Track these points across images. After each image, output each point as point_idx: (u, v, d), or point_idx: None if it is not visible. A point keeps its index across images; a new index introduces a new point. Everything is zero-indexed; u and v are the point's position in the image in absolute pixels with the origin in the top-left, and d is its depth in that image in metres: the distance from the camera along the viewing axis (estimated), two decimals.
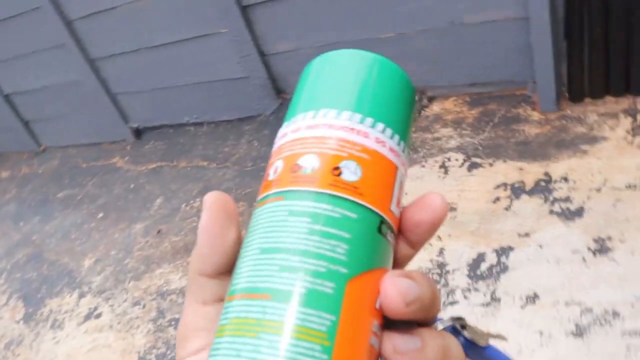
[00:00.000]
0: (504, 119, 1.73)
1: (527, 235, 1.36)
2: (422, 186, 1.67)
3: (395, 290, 0.23)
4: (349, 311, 0.23)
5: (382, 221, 0.25)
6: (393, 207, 0.26)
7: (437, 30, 1.79)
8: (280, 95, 2.28)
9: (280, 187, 0.25)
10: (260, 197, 0.26)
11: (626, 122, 1.49)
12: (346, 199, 0.25)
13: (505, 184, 1.52)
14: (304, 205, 0.24)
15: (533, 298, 1.22)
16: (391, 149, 0.27)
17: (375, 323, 0.24)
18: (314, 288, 0.23)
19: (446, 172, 1.65)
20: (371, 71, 0.28)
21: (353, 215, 0.24)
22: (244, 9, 2.07)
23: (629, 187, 1.34)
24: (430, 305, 0.24)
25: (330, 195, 0.24)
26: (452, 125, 1.80)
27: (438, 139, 1.78)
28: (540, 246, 1.33)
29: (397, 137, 0.27)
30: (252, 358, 0.22)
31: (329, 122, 0.26)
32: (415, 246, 0.27)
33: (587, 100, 1.60)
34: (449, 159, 1.68)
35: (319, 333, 0.22)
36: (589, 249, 1.25)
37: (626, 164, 1.39)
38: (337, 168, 0.25)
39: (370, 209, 0.25)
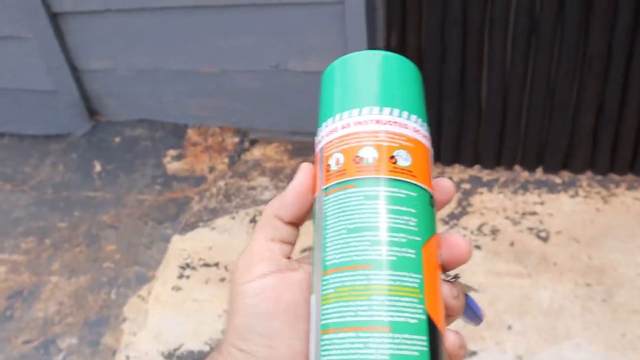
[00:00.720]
0: None
1: None
2: (230, 242, 1.55)
3: (466, 241, 0.32)
4: (427, 269, 0.30)
5: (431, 196, 0.32)
6: (432, 183, 0.32)
7: (261, 72, 1.68)
8: (94, 117, 2.03)
9: (347, 176, 0.31)
10: (326, 185, 0.31)
11: None
12: (406, 182, 0.30)
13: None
14: (375, 190, 0.30)
15: None
16: (424, 136, 0.33)
17: (440, 275, 0.31)
18: (402, 255, 0.29)
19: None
20: (395, 69, 0.33)
21: (414, 194, 0.31)
22: (54, 17, 1.81)
23: None
24: None
25: (395, 180, 0.30)
26: (270, 174, 1.71)
27: (253, 188, 1.67)
28: None
29: (425, 124, 0.33)
30: (368, 316, 0.28)
31: (375, 117, 0.31)
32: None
33: None
34: (260, 213, 1.58)
35: (413, 289, 0.29)
36: None
37: None
38: (392, 157, 0.31)
39: (423, 188, 0.31)
